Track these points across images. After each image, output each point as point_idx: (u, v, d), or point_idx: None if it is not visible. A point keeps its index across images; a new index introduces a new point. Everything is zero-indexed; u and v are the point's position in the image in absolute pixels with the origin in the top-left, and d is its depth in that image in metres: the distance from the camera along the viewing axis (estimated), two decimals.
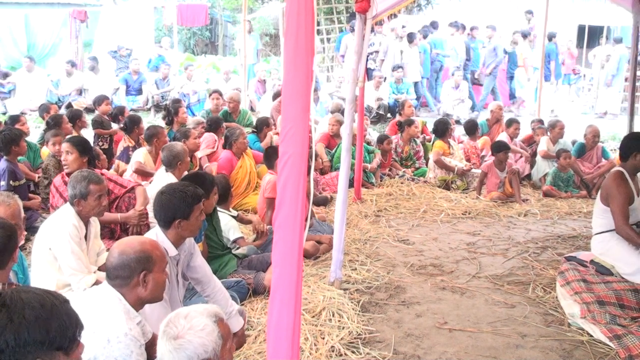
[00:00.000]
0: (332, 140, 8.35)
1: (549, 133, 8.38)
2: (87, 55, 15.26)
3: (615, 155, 7.99)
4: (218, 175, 5.52)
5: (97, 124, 8.39)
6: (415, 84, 13.25)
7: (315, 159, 7.45)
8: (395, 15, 13.99)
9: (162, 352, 2.16)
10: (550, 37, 14.12)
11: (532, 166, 8.37)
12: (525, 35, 13.90)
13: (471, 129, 8.87)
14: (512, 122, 8.65)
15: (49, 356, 1.70)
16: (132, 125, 7.42)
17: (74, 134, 7.50)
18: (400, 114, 9.51)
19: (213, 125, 7.84)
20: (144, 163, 6.40)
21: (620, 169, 4.56)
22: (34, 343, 1.67)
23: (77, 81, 12.91)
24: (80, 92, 12.98)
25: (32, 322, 1.67)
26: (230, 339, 2.22)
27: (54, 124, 7.14)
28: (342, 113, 8.86)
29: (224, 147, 7.01)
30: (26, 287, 1.83)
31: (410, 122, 8.75)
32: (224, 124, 9.07)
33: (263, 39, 17.01)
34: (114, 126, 8.63)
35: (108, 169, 6.85)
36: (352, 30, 10.65)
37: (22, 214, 3.53)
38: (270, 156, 5.88)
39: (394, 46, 13.69)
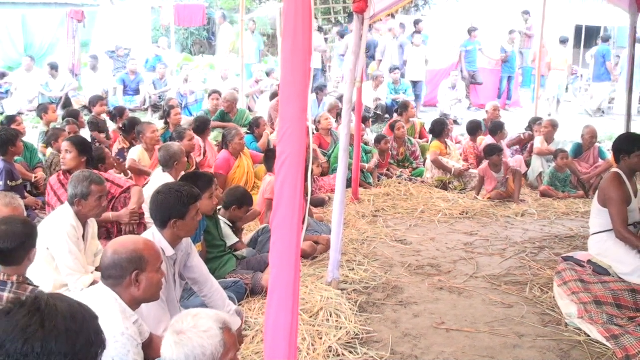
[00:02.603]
0: (323, 140, 8.32)
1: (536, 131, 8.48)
2: (85, 56, 15.23)
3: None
4: (239, 188, 5.49)
5: (93, 125, 8.36)
6: (416, 83, 13.24)
7: (314, 162, 7.43)
8: (393, 16, 14.03)
9: (164, 345, 2.18)
10: (606, 39, 14.67)
11: (528, 166, 8.38)
12: (563, 42, 14.37)
13: (474, 129, 8.82)
14: (501, 128, 8.52)
15: None
16: (131, 127, 7.38)
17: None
18: (401, 115, 9.48)
19: (201, 126, 7.60)
20: (139, 161, 6.40)
21: (617, 170, 4.56)
22: (59, 354, 1.64)
23: (66, 82, 12.83)
24: (74, 90, 12.94)
25: (62, 332, 1.65)
26: (234, 351, 2.21)
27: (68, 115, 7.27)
28: (339, 112, 8.89)
29: (222, 147, 6.99)
30: (61, 296, 1.82)
31: (393, 124, 8.79)
32: (222, 124, 9.12)
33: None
34: (112, 126, 8.62)
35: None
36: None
37: (25, 214, 3.57)
38: (270, 159, 5.87)
39: (392, 46, 13.70)
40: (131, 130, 7.37)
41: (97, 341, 1.75)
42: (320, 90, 11.32)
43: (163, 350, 2.18)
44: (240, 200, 5.05)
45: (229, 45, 14.47)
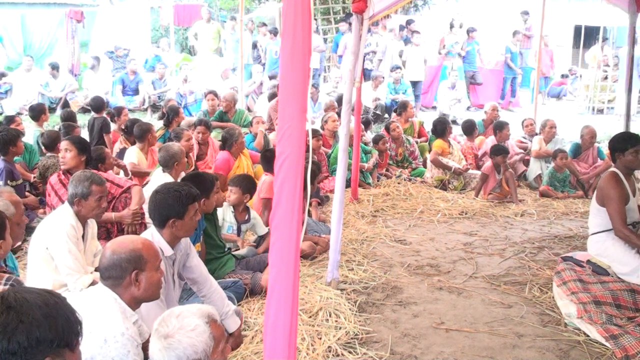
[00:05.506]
0: (325, 140, 8.32)
1: (540, 133, 8.47)
2: (84, 56, 15.22)
3: None
4: (245, 175, 5.53)
5: (107, 127, 8.41)
6: (415, 83, 13.23)
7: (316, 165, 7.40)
8: (390, 16, 14.04)
9: (152, 350, 2.16)
10: None
11: (527, 166, 8.40)
12: (605, 39, 15.74)
13: (469, 128, 8.88)
14: (502, 127, 8.50)
15: (57, 354, 1.71)
16: (133, 129, 7.37)
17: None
18: (400, 115, 9.49)
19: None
20: (138, 162, 6.40)
21: (615, 169, 4.57)
22: (45, 342, 1.68)
23: (67, 83, 12.83)
24: (72, 92, 12.94)
25: (42, 321, 1.68)
26: (223, 340, 2.22)
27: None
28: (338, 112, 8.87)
29: (222, 147, 6.99)
30: (26, 288, 1.84)
31: (389, 125, 8.80)
32: (221, 124, 9.12)
33: None
34: (112, 126, 8.62)
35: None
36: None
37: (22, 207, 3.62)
38: (269, 160, 5.87)
39: (393, 46, 13.70)
40: (132, 131, 7.37)
41: (74, 318, 1.78)
42: (314, 88, 11.31)
43: (152, 356, 2.16)
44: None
45: (211, 45, 14.37)
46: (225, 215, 5.07)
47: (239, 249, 5.03)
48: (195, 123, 7.66)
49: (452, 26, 14.31)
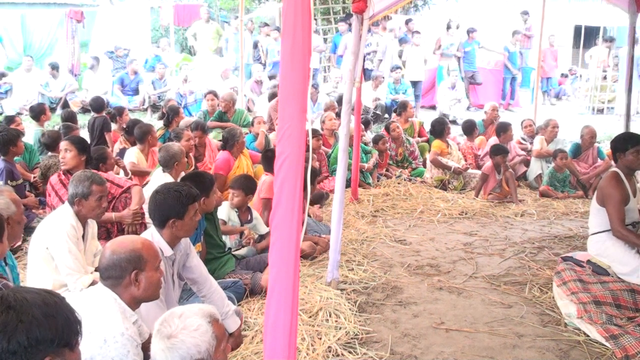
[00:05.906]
0: (325, 140, 8.32)
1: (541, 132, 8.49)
2: (84, 56, 15.22)
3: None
4: (244, 176, 5.55)
5: (107, 125, 8.42)
6: (415, 83, 13.23)
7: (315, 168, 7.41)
8: (390, 17, 14.04)
9: (155, 350, 2.16)
10: None
11: (527, 166, 8.40)
12: (612, 40, 15.79)
13: (469, 128, 8.90)
14: (505, 129, 8.41)
15: (57, 353, 1.72)
16: (133, 129, 7.37)
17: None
18: (400, 115, 9.50)
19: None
20: (137, 162, 6.41)
21: (616, 169, 4.58)
22: (45, 341, 1.68)
23: (66, 83, 12.84)
24: (72, 92, 12.95)
25: (42, 320, 1.69)
26: (224, 339, 2.22)
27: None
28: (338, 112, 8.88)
29: (223, 148, 7.00)
30: (25, 288, 1.84)
31: (389, 125, 8.81)
32: (220, 124, 9.12)
33: None
34: (112, 126, 8.62)
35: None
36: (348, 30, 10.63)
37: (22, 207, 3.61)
38: (270, 159, 5.86)
39: (392, 46, 13.70)
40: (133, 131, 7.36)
41: (74, 318, 1.78)
42: (314, 88, 11.30)
43: (155, 356, 2.16)
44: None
45: (211, 45, 14.37)
46: (230, 215, 5.09)
47: (239, 249, 5.04)
48: (191, 127, 7.66)
49: (448, 27, 14.33)
